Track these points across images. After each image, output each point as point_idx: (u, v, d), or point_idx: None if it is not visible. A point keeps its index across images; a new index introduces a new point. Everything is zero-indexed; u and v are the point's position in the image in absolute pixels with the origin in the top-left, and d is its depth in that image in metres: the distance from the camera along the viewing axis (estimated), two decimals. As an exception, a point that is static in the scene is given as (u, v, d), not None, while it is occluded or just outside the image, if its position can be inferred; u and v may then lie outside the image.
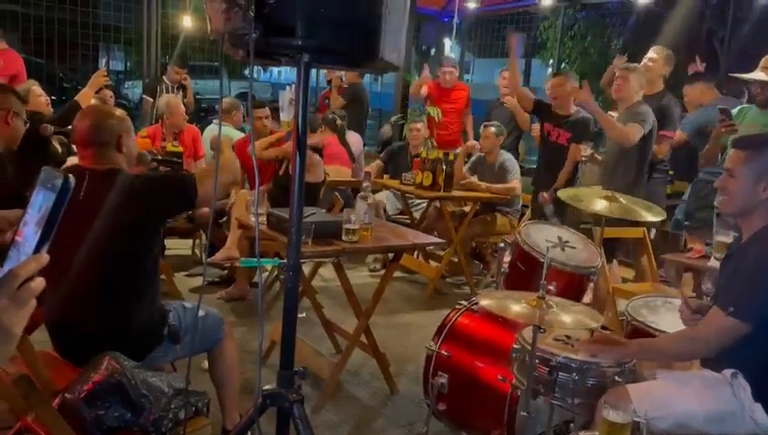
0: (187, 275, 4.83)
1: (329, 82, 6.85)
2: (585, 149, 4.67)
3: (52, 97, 5.18)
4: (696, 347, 2.00)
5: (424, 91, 6.26)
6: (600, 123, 4.19)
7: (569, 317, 2.00)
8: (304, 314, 4.03)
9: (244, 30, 1.35)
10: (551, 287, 2.11)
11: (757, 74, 3.73)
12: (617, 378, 2.09)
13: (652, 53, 4.59)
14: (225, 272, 4.81)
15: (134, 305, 2.18)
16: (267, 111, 4.84)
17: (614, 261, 4.19)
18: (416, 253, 5.39)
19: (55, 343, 2.24)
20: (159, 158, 3.27)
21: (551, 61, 9.05)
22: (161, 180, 2.30)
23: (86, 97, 4.28)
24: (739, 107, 4.08)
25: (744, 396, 1.91)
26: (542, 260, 2.23)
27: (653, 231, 4.36)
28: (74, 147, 4.17)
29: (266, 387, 1.78)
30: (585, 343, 2.10)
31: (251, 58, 1.35)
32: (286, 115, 4.25)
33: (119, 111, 2.37)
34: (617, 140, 4.06)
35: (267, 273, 4.77)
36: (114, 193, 2.13)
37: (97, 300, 2.13)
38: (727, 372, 1.96)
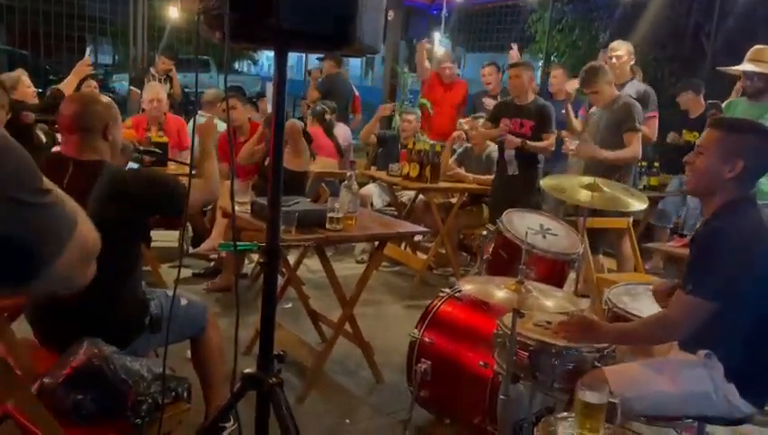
0: (172, 267, 4.80)
1: (309, 72, 6.84)
2: (572, 142, 4.70)
3: (39, 90, 5.13)
4: (668, 330, 2.00)
5: (426, 65, 6.21)
6: (614, 162, 4.20)
7: (549, 301, 2.01)
8: (290, 305, 4.03)
9: (219, 9, 1.35)
10: (529, 272, 2.12)
11: (745, 66, 3.74)
12: (596, 363, 2.11)
13: (618, 50, 4.80)
14: (212, 264, 4.80)
15: (115, 295, 2.15)
16: (235, 100, 4.87)
17: (600, 255, 4.23)
18: (403, 245, 5.40)
19: (36, 332, 2.22)
20: (142, 148, 3.23)
21: (539, 54, 9.07)
22: (154, 184, 2.19)
23: (70, 85, 4.26)
24: (729, 100, 4.13)
25: (717, 377, 1.94)
26: (522, 246, 2.24)
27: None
28: (59, 136, 4.18)
29: (246, 370, 1.79)
30: (562, 326, 2.10)
31: (227, 38, 1.35)
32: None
33: (106, 99, 2.31)
34: (626, 163, 4.18)
35: (253, 264, 4.77)
36: (99, 186, 2.07)
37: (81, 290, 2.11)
38: (701, 352, 1.99)
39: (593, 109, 4.51)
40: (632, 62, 4.86)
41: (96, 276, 2.08)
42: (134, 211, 2.13)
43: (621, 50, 4.79)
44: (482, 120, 5.19)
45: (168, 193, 2.18)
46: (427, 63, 6.34)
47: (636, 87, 4.74)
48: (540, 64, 9.09)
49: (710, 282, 1.89)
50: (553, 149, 4.64)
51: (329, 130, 5.57)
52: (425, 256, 5.12)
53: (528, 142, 4.53)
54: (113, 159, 2.24)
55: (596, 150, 4.18)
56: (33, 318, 2.22)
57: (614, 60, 4.75)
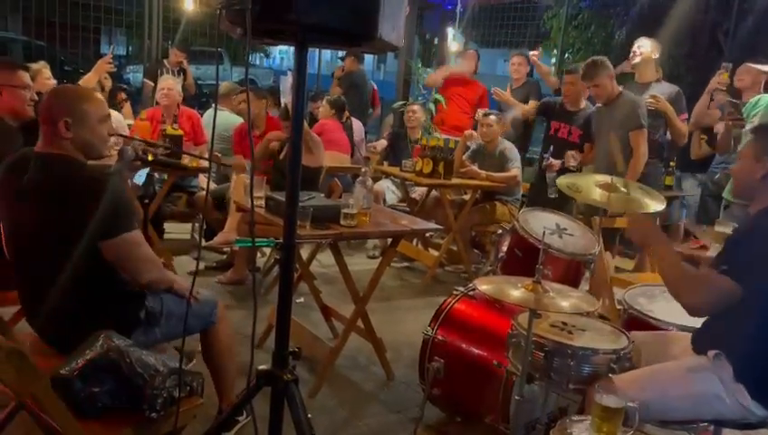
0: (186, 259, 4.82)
1: (332, 75, 6.87)
2: (574, 158, 4.66)
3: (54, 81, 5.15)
4: (697, 291, 1.97)
5: (441, 76, 6.21)
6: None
7: (565, 302, 1.99)
8: (302, 300, 4.04)
9: (241, 4, 1.34)
10: (546, 272, 2.10)
11: None
12: (612, 365, 2.09)
13: (643, 45, 4.68)
14: (225, 257, 4.82)
15: (105, 290, 2.11)
16: (252, 94, 4.82)
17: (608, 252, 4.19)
18: (415, 241, 5.39)
19: (34, 329, 2.19)
20: (153, 159, 3.13)
21: (554, 51, 9.00)
22: (101, 196, 1.97)
23: (89, 82, 4.28)
24: (758, 96, 4.11)
25: (725, 377, 1.92)
26: (538, 246, 2.22)
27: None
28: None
29: (261, 367, 1.79)
30: (631, 219, 2.21)
31: (248, 33, 1.34)
32: (286, 100, 4.26)
33: (81, 93, 2.19)
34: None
35: (266, 258, 4.78)
36: (55, 184, 2.00)
37: (61, 285, 2.02)
38: (711, 353, 1.97)
39: (596, 105, 4.48)
40: (656, 57, 4.70)
41: (83, 272, 2.06)
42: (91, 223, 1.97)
43: (646, 45, 4.66)
44: (494, 117, 5.15)
45: (111, 212, 1.98)
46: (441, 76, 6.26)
47: (667, 89, 4.59)
48: (554, 61, 9.03)
49: (741, 265, 1.90)
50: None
51: (348, 128, 5.59)
52: (436, 253, 5.11)
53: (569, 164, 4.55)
54: (89, 158, 2.11)
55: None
56: (29, 316, 2.21)
57: (637, 56, 4.65)
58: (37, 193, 2.01)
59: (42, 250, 2.05)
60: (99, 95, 2.29)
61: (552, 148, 4.72)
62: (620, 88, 4.26)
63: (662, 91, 4.51)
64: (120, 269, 2.08)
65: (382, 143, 5.97)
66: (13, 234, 2.12)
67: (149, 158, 3.75)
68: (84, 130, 2.07)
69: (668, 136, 4.68)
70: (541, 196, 4.64)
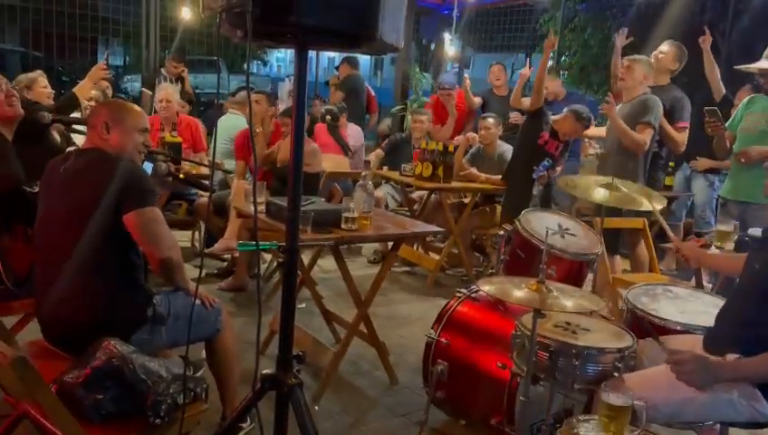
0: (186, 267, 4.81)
1: (326, 83, 6.92)
2: (593, 146, 4.64)
3: (52, 91, 5.16)
4: None
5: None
6: (617, 132, 4.18)
7: (569, 301, 1.98)
8: (304, 305, 4.03)
9: (242, 7, 1.34)
10: (550, 272, 2.10)
11: (763, 63, 3.74)
12: (617, 364, 2.08)
13: (664, 46, 4.59)
14: (225, 264, 4.81)
15: (115, 284, 2.14)
16: (262, 96, 4.85)
17: (616, 256, 4.18)
18: (416, 245, 5.39)
19: (43, 329, 2.21)
20: (182, 177, 3.24)
21: (551, 54, 9.02)
22: (129, 172, 2.17)
23: (84, 89, 4.27)
24: (749, 96, 4.12)
25: (742, 382, 1.89)
26: (541, 247, 2.21)
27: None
28: (73, 136, 4.20)
29: (265, 371, 1.78)
30: (674, 361, 1.92)
31: (249, 36, 1.34)
32: (285, 106, 4.27)
33: (128, 105, 2.41)
34: (629, 147, 4.09)
35: (266, 264, 4.77)
36: (90, 171, 2.16)
37: (78, 278, 2.10)
38: (730, 357, 1.95)
39: (619, 106, 4.45)
40: (673, 69, 4.56)
41: (95, 265, 2.11)
42: (117, 197, 2.11)
43: (667, 48, 4.55)
44: (492, 120, 5.17)
45: (135, 188, 2.14)
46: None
47: (667, 94, 4.47)
48: (550, 64, 9.04)
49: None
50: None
51: (332, 130, 5.61)
52: (437, 257, 5.11)
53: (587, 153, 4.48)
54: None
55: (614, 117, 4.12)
56: (39, 314, 2.23)
57: (659, 54, 4.56)
58: (70, 175, 2.17)
59: (65, 229, 2.12)
60: (140, 109, 2.46)
61: (546, 159, 4.65)
62: (647, 91, 4.22)
63: (663, 96, 4.48)
64: (140, 243, 2.17)
65: (379, 153, 5.96)
66: (45, 220, 2.23)
67: (181, 176, 3.81)
68: (121, 134, 2.26)
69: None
70: (522, 205, 4.54)
